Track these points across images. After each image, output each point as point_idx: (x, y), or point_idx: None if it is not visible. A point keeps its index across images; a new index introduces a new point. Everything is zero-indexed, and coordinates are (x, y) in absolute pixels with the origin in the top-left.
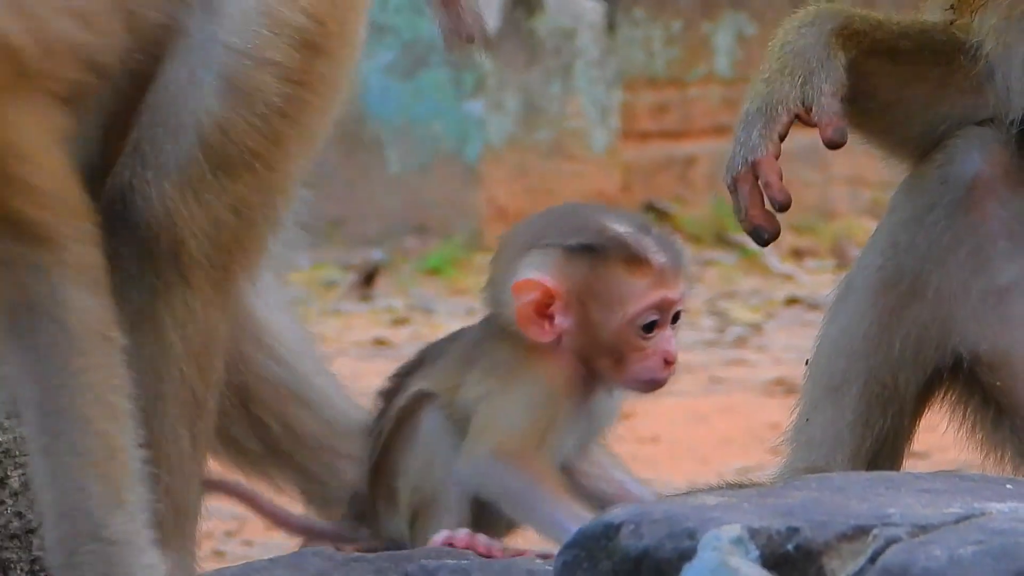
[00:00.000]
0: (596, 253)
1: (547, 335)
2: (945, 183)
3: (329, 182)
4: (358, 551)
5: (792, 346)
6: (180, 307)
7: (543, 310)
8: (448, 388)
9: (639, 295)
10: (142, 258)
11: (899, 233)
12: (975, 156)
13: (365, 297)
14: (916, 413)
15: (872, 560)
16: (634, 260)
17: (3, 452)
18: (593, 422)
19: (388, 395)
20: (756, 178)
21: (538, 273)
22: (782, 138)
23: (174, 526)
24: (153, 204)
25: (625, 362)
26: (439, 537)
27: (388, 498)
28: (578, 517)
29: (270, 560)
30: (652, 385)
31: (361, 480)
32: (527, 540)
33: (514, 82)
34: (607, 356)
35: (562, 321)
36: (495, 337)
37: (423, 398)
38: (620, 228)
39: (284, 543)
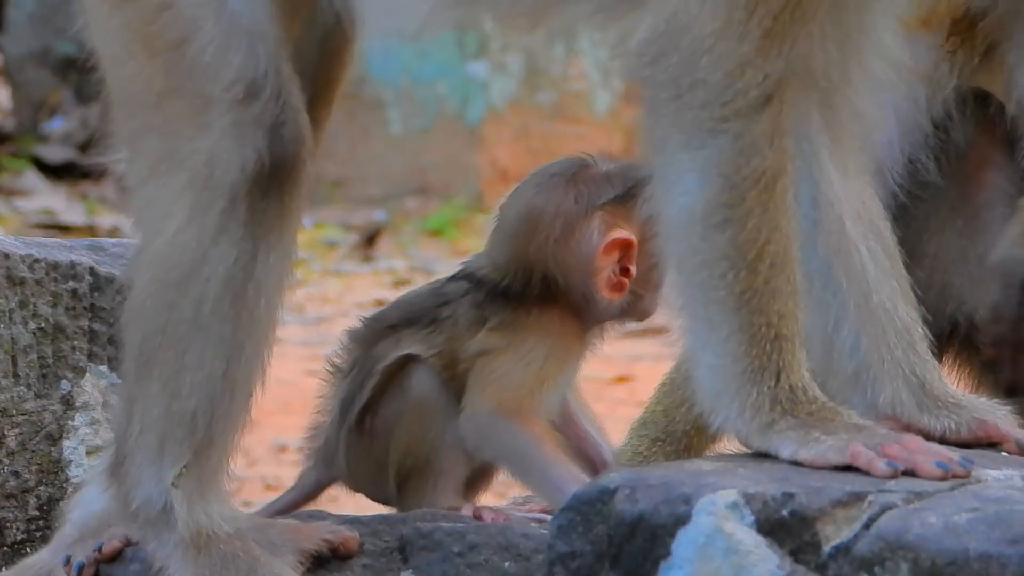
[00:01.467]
0: (640, 196)
1: (624, 291)
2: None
3: (331, 143)
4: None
5: None
6: None
7: (628, 266)
8: (445, 352)
9: None
10: None
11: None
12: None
13: (366, 258)
14: None
15: (867, 526)
16: None
17: (0, 411)
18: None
19: (362, 343)
20: None
21: (621, 232)
22: None
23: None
24: None
25: (647, 294)
26: (467, 510)
27: (372, 460)
28: (575, 479)
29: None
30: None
31: (334, 438)
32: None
33: (517, 44)
34: (639, 291)
35: (634, 272)
36: (498, 298)
37: (411, 359)
38: (636, 167)
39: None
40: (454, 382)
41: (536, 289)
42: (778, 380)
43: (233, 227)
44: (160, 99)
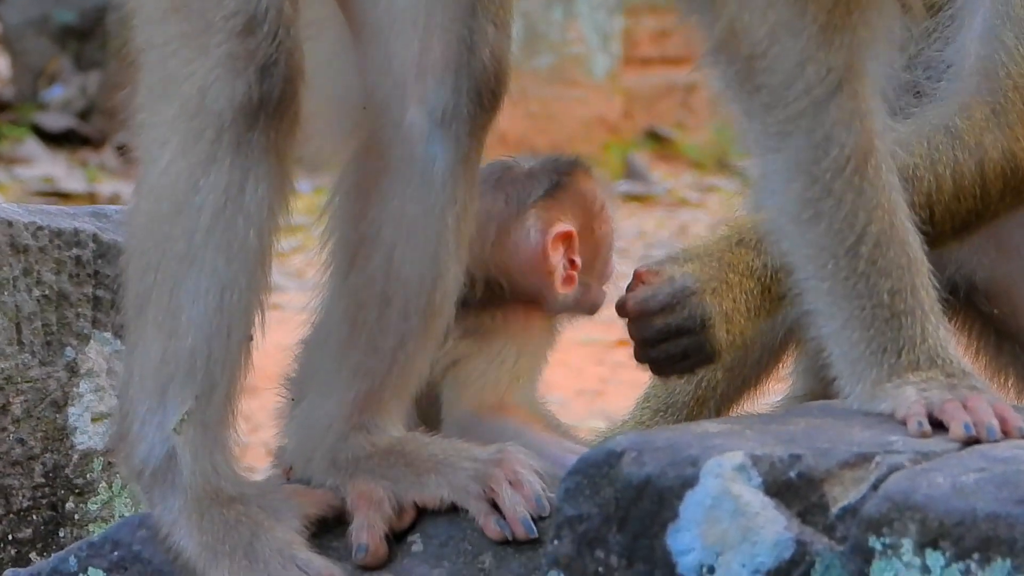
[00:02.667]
0: (569, 187)
1: (574, 283)
2: None
3: None
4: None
5: None
6: None
7: (572, 258)
8: None
9: (607, 207)
10: None
11: None
12: None
13: None
14: None
15: (874, 487)
16: (591, 176)
17: (5, 379)
18: None
19: None
20: None
21: (561, 225)
22: None
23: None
24: None
25: (594, 284)
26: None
27: None
28: (572, 450)
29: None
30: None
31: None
32: None
33: (515, 7)
34: (587, 282)
35: (579, 263)
36: (462, 303)
37: None
38: (561, 160)
39: None
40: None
41: (480, 294)
42: (899, 356)
43: (221, 157)
44: (166, 15)
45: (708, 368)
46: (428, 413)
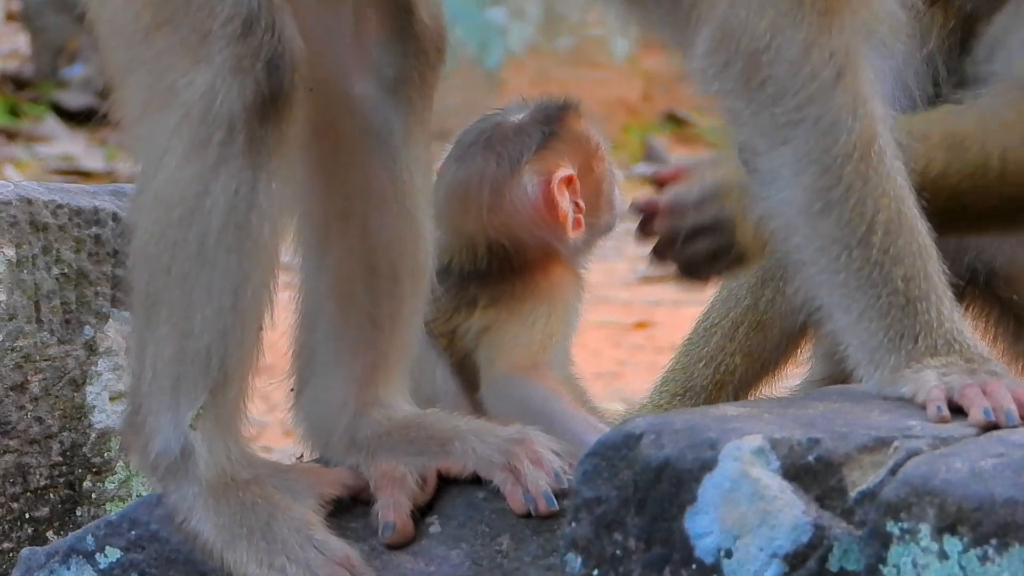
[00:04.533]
0: (562, 132)
1: (582, 225)
2: None
3: None
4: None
5: None
6: None
7: (576, 201)
8: (443, 335)
9: (600, 144)
10: None
11: None
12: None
13: None
14: None
15: (893, 472)
16: (581, 116)
17: (23, 357)
18: None
19: None
20: None
21: (561, 171)
22: None
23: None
24: None
25: (602, 214)
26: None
27: None
28: (595, 428)
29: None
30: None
31: None
32: None
33: None
34: (595, 219)
35: (583, 205)
36: (477, 276)
37: None
38: (549, 105)
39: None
40: (460, 363)
41: (485, 263)
42: (916, 342)
43: (232, 157)
44: (149, 33)
45: (736, 272)
46: (468, 379)
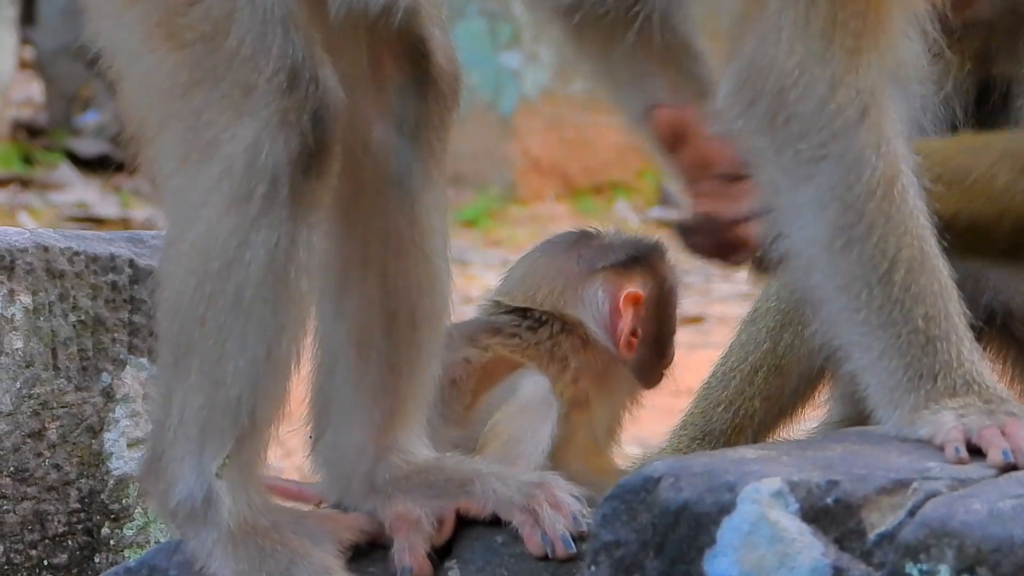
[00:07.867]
0: (648, 262)
1: (633, 350)
2: None
3: None
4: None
5: None
6: None
7: (635, 326)
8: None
9: (675, 292)
10: None
11: None
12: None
13: None
14: None
15: (911, 513)
16: (666, 259)
17: (41, 404)
18: None
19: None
20: None
21: (631, 287)
22: None
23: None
24: None
25: (655, 362)
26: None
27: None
28: None
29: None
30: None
31: None
32: None
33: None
34: (647, 358)
35: (640, 333)
36: (562, 334)
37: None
38: (642, 240)
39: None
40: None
41: (555, 329)
42: (935, 382)
43: (275, 210)
44: (188, 90)
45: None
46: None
